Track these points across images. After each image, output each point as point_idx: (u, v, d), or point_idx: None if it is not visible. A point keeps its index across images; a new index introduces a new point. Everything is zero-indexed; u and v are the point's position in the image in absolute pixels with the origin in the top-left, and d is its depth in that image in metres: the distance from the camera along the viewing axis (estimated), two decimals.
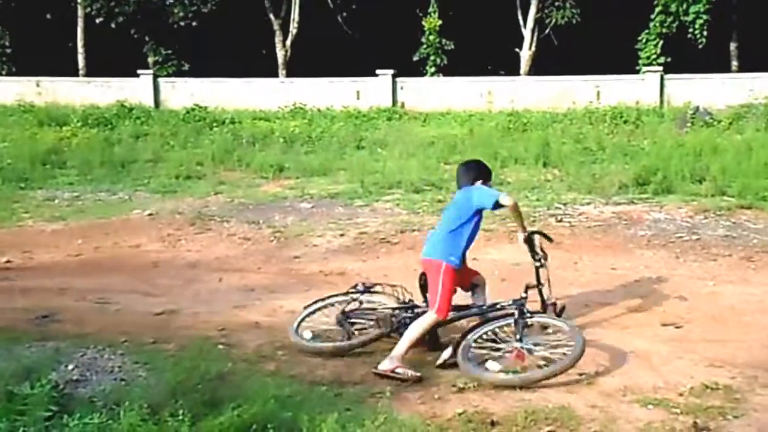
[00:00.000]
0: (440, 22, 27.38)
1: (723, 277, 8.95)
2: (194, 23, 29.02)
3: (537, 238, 6.87)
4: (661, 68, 24.04)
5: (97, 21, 29.23)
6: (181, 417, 4.72)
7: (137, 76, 27.18)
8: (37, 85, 27.31)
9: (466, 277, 6.76)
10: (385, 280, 7.45)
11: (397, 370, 6.05)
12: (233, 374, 5.88)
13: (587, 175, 14.00)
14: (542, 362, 6.10)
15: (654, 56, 25.63)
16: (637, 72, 25.09)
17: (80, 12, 29.96)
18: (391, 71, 25.18)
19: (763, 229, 10.79)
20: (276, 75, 28.66)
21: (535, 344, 6.24)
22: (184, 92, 26.35)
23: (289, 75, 28.58)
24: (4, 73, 30.53)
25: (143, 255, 10.41)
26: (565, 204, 12.44)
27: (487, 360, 6.20)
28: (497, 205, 6.44)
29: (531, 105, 22.83)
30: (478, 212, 6.53)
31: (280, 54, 29.31)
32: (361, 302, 6.99)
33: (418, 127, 21.22)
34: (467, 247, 6.56)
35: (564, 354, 6.05)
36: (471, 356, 6.19)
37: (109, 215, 12.38)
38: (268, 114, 23.69)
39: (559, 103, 22.39)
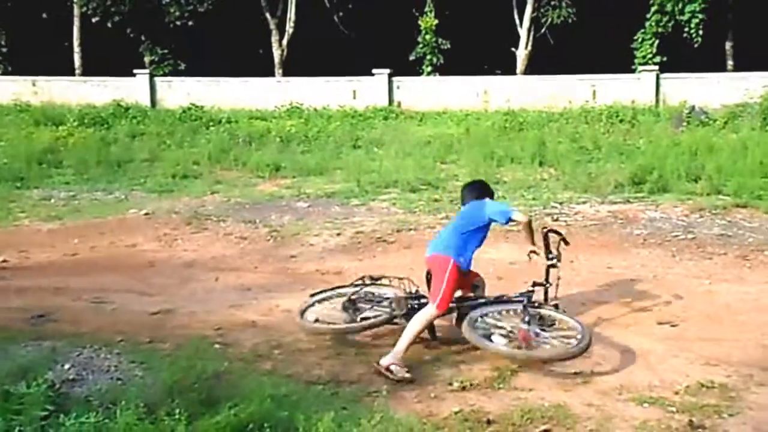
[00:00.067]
0: (436, 21, 27.36)
1: (718, 275, 8.97)
2: (190, 22, 28.99)
3: (553, 237, 6.92)
4: (656, 67, 24.06)
5: (93, 20, 29.18)
6: (177, 416, 4.72)
7: (133, 75, 27.15)
8: (33, 85, 27.28)
9: (468, 281, 6.89)
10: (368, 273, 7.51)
11: (392, 367, 6.08)
12: (230, 373, 5.88)
13: (583, 175, 14.01)
14: (547, 347, 6.16)
15: (650, 55, 25.64)
16: (633, 71, 25.08)
17: (76, 11, 29.90)
18: (388, 71, 25.18)
19: (759, 228, 10.81)
20: (272, 74, 28.63)
21: (542, 330, 6.37)
22: (181, 91, 26.33)
23: (285, 74, 28.55)
24: (0, 72, 30.49)
25: (139, 254, 10.40)
26: (561, 203, 12.46)
27: (492, 335, 6.34)
28: (509, 220, 6.65)
29: (527, 104, 22.84)
30: (488, 225, 6.73)
31: (276, 53, 29.29)
32: (367, 292, 7.11)
33: (414, 127, 21.23)
34: (473, 252, 6.71)
35: (569, 343, 6.12)
36: (477, 327, 6.36)
37: (105, 215, 12.37)
38: (265, 113, 23.69)
39: (555, 102, 22.40)
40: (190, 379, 5.47)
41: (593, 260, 9.55)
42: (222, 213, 12.32)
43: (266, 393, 5.22)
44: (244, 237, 11.09)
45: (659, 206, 12.10)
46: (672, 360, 6.44)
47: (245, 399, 5.11)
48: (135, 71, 27.33)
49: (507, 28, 27.85)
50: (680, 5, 25.17)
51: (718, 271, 9.13)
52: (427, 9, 27.53)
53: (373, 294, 7.13)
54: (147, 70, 28.05)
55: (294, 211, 12.46)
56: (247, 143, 18.49)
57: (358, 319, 6.91)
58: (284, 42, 29.24)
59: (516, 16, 27.80)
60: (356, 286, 7.20)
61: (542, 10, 27.61)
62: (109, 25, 29.09)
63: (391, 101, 25.02)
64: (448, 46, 27.24)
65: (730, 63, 27.15)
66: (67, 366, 5.79)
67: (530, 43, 27.45)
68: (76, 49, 30.27)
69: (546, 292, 6.75)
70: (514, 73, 27.01)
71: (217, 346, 6.70)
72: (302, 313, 7.08)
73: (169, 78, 28.30)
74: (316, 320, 6.98)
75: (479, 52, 28.77)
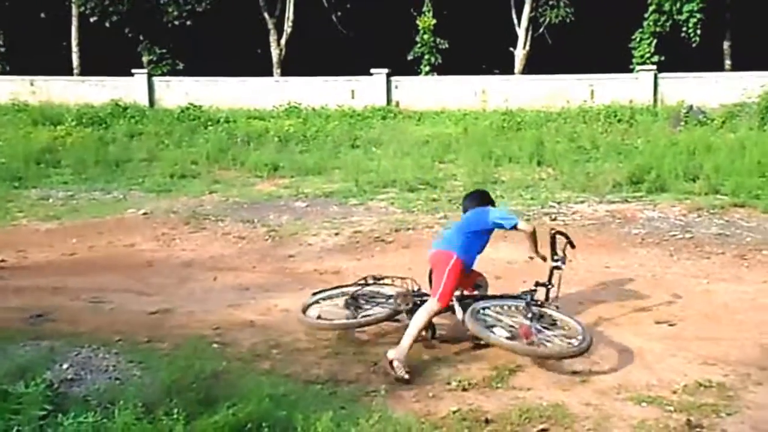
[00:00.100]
0: (434, 21, 27.34)
1: (716, 275, 8.98)
2: (189, 22, 28.98)
3: (560, 239, 6.94)
4: (654, 67, 24.07)
5: (92, 20, 29.16)
6: (175, 416, 4.72)
7: (132, 75, 27.14)
8: (32, 84, 27.27)
9: (471, 281, 6.96)
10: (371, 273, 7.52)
11: (395, 363, 6.08)
12: (228, 373, 5.89)
13: (581, 174, 14.02)
14: (548, 345, 6.17)
15: (648, 55, 25.64)
16: (631, 71, 25.09)
17: (74, 11, 29.89)
18: (386, 70, 25.18)
19: (756, 228, 10.83)
20: (271, 74, 28.63)
21: (544, 327, 6.40)
22: (179, 91, 26.32)
23: (283, 74, 28.55)
24: None
25: (138, 254, 10.40)
26: (559, 203, 12.47)
27: (494, 327, 6.39)
28: (512, 225, 6.74)
29: (525, 104, 22.85)
30: (490, 231, 6.82)
31: (274, 53, 29.28)
32: (370, 291, 7.17)
33: (412, 126, 21.23)
34: (476, 254, 6.81)
35: (570, 344, 6.14)
36: (479, 318, 6.41)
37: (103, 214, 12.37)
38: (263, 113, 23.68)
39: (553, 102, 22.41)
40: (188, 379, 5.47)
41: (591, 259, 9.55)
42: (220, 213, 12.32)
43: (264, 392, 5.23)
44: (242, 237, 11.09)
45: (657, 206, 12.11)
46: (670, 359, 6.45)
47: (243, 398, 5.11)
48: (133, 71, 27.31)
49: (505, 27, 27.85)
50: (678, 5, 25.18)
51: (716, 271, 9.14)
52: (425, 9, 27.52)
53: (375, 292, 7.16)
54: (145, 70, 28.02)
55: (292, 211, 12.46)
56: (245, 143, 18.50)
57: (360, 316, 6.94)
58: (282, 42, 29.24)
59: (514, 16, 27.80)
60: (359, 285, 7.22)
61: (540, 10, 27.61)
62: (108, 24, 29.07)
63: (389, 101, 25.02)
64: (446, 45, 27.23)
65: (727, 63, 27.17)
66: (65, 365, 5.79)
67: (528, 43, 27.46)
68: (74, 48, 30.26)
69: (547, 293, 6.79)
70: (512, 73, 27.01)
71: (215, 345, 6.71)
72: (304, 310, 7.13)
73: (167, 78, 28.29)
74: (318, 317, 7.02)
75: (477, 51, 28.77)
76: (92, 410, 4.84)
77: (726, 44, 27.29)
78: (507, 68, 27.69)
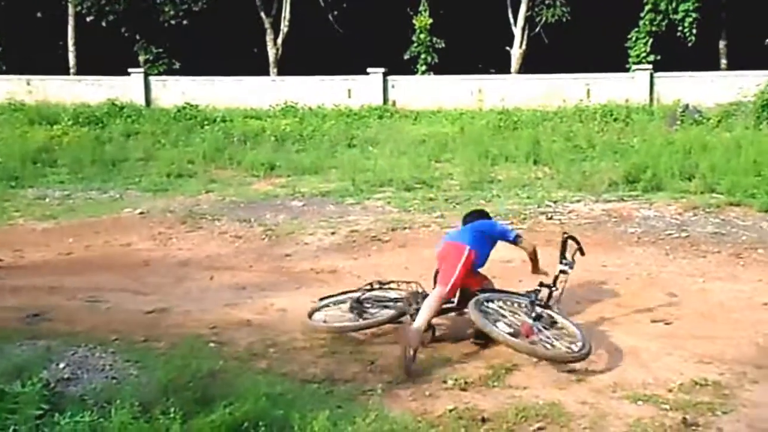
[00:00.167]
0: (431, 20, 27.36)
1: (712, 273, 8.99)
2: (185, 21, 28.94)
3: (572, 244, 6.98)
4: (650, 66, 24.10)
5: (88, 19, 29.12)
6: (172, 415, 4.72)
7: (128, 74, 27.10)
8: (28, 84, 27.22)
9: (477, 282, 6.99)
10: (377, 278, 7.53)
11: (413, 344, 6.14)
12: (224, 372, 5.88)
13: (577, 173, 14.04)
14: (549, 346, 6.19)
15: (644, 54, 25.68)
16: (627, 70, 25.13)
17: (71, 10, 29.87)
18: (382, 70, 25.18)
19: (752, 226, 10.84)
20: (267, 73, 28.61)
21: (545, 328, 6.43)
22: (175, 91, 26.30)
23: (280, 73, 28.54)
24: None
25: (134, 253, 10.40)
26: (555, 202, 12.48)
27: (497, 321, 6.42)
28: (516, 240, 7.05)
29: (521, 103, 22.86)
30: (495, 241, 7.07)
31: (271, 52, 29.27)
32: (375, 295, 7.22)
33: (409, 126, 21.22)
34: (486, 257, 7.00)
35: (569, 349, 6.15)
36: (483, 310, 6.44)
37: (100, 214, 12.36)
38: (260, 112, 23.66)
39: (550, 101, 22.42)
40: (185, 378, 5.47)
41: (587, 258, 9.46)
42: (217, 212, 12.32)
43: (261, 391, 5.22)
44: (239, 236, 11.09)
45: (653, 205, 12.13)
46: (666, 358, 6.46)
47: (240, 398, 5.11)
48: (130, 70, 27.29)
49: (501, 27, 27.88)
50: (674, 4, 25.23)
51: (712, 270, 9.16)
52: (421, 8, 27.53)
53: (380, 296, 7.20)
54: (142, 69, 28.01)
55: (289, 210, 12.46)
56: (241, 142, 18.49)
57: (365, 316, 7.01)
58: (279, 41, 29.23)
59: (510, 15, 27.83)
60: (365, 291, 7.25)
61: (536, 9, 27.61)
62: (104, 24, 29.03)
63: (385, 100, 25.02)
64: (443, 45, 27.25)
65: (723, 62, 27.19)
66: (62, 365, 5.78)
67: (525, 42, 27.48)
68: (71, 48, 30.23)
69: (550, 295, 6.80)
70: (509, 72, 27.04)
71: (212, 344, 6.71)
72: (310, 315, 7.20)
73: (163, 77, 28.26)
74: (324, 321, 7.10)
75: (474, 51, 28.79)
76: (89, 409, 4.84)
77: (722, 43, 27.32)
78: (503, 67, 27.72)
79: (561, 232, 7.21)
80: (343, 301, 7.27)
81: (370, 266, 9.44)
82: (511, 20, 27.79)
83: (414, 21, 27.50)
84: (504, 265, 8.93)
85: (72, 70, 29.89)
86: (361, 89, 25.15)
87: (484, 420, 5.29)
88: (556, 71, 23.97)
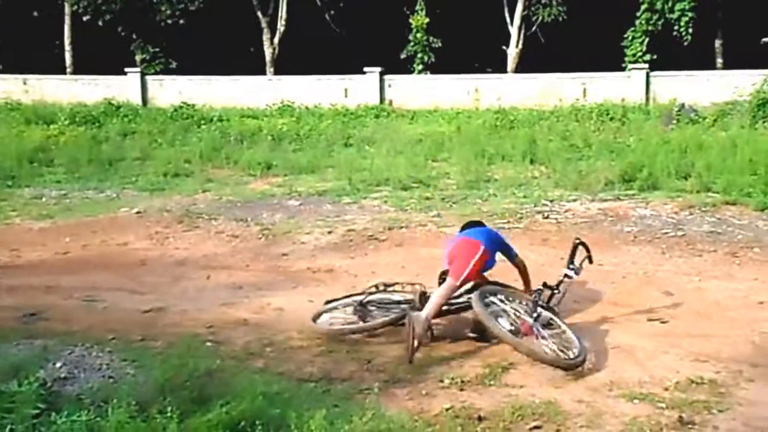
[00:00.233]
0: (427, 19, 27.36)
1: (708, 272, 9.01)
2: (182, 21, 28.94)
3: (582, 250, 7.01)
4: (646, 65, 24.14)
5: (84, 19, 29.10)
6: (169, 414, 4.72)
7: (125, 74, 27.08)
8: (24, 83, 27.20)
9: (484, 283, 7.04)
10: (373, 278, 7.55)
11: (418, 332, 6.21)
12: (221, 371, 5.89)
13: (573, 172, 14.04)
14: (547, 349, 6.20)
15: (640, 53, 25.72)
16: (623, 69, 25.15)
17: (67, 10, 29.81)
18: (379, 69, 25.18)
19: (748, 225, 10.86)
20: (264, 73, 28.61)
21: (544, 329, 6.45)
22: (172, 90, 26.28)
23: (276, 73, 28.53)
24: None
25: (131, 253, 10.39)
26: (551, 201, 12.49)
27: (498, 317, 6.45)
28: (515, 259, 7.33)
29: (518, 102, 22.88)
30: (497, 251, 7.14)
31: (267, 52, 29.26)
32: (380, 298, 7.25)
33: (405, 125, 21.23)
34: (493, 261, 7.09)
35: (567, 355, 6.15)
36: (486, 303, 6.49)
37: (96, 213, 12.35)
38: (256, 112, 23.64)
39: (546, 100, 22.46)
40: (181, 377, 5.47)
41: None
42: (214, 211, 12.31)
43: (258, 390, 5.23)
44: (235, 235, 11.09)
45: (649, 204, 12.14)
46: (662, 356, 6.47)
47: (237, 397, 5.12)
48: (126, 70, 27.27)
49: (498, 26, 27.89)
50: (670, 3, 25.27)
51: (708, 268, 9.18)
52: (418, 7, 27.53)
53: (384, 299, 7.22)
54: (138, 69, 27.97)
55: (285, 210, 12.46)
56: (238, 141, 18.48)
57: (369, 318, 7.04)
58: (276, 40, 29.23)
59: (507, 15, 27.85)
60: (370, 294, 7.26)
61: (533, 9, 27.65)
62: (100, 23, 29.01)
63: (382, 99, 25.02)
64: (440, 44, 27.26)
65: (719, 61, 27.25)
66: (58, 364, 5.79)
67: (521, 42, 27.51)
68: (67, 47, 30.18)
69: (551, 297, 6.82)
70: (505, 72, 27.06)
71: (208, 344, 6.71)
72: (315, 318, 7.22)
73: (160, 76, 28.25)
74: (330, 324, 7.15)
75: (470, 50, 28.81)
76: (86, 409, 4.85)
77: (717, 43, 27.38)
78: (500, 67, 27.73)
79: (574, 238, 7.20)
80: (347, 305, 7.28)
81: (367, 265, 9.45)
82: (508, 19, 27.81)
83: (410, 20, 27.50)
84: (502, 264, 8.93)
85: (68, 70, 29.85)
86: (358, 88, 25.15)
87: (480, 419, 5.30)
88: (552, 70, 24.00)
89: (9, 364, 5.57)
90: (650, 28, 25.76)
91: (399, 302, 7.09)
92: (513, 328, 6.36)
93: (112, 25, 29.29)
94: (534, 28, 27.82)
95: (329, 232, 11.03)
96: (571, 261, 6.90)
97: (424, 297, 6.89)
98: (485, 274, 7.07)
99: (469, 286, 6.83)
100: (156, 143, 18.45)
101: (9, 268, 9.64)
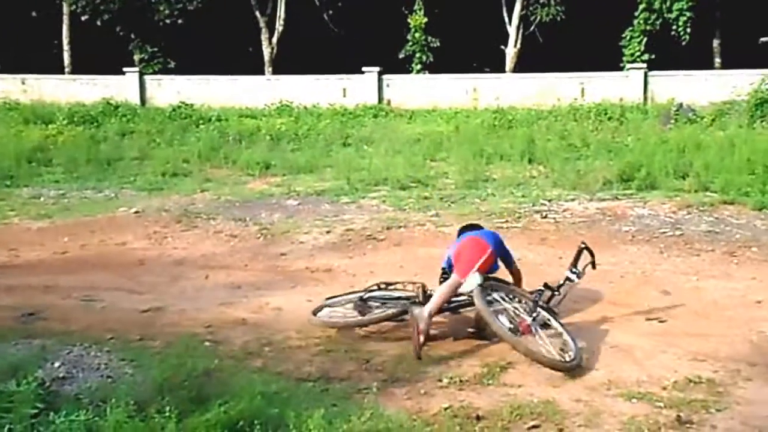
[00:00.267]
0: (426, 19, 27.37)
1: (706, 272, 9.02)
2: (180, 21, 28.93)
3: (586, 255, 7.03)
4: (644, 65, 24.15)
5: (83, 18, 29.09)
6: (167, 414, 4.73)
7: (123, 73, 27.08)
8: (23, 83, 27.20)
9: None
10: (371, 277, 7.55)
11: (421, 327, 6.31)
12: (220, 371, 5.90)
13: (572, 172, 14.05)
14: (543, 351, 6.22)
15: (638, 53, 25.72)
16: (621, 69, 25.17)
17: (65, 9, 29.81)
18: (377, 69, 25.19)
19: (746, 225, 10.87)
20: (262, 72, 28.61)
21: (542, 329, 6.46)
22: (170, 90, 26.29)
23: (275, 72, 28.53)
24: None
25: (129, 253, 10.39)
26: (550, 200, 12.49)
27: (500, 314, 6.47)
28: (514, 267, 7.30)
29: (516, 102, 22.89)
30: (502, 256, 7.20)
31: (266, 51, 29.26)
32: (379, 294, 7.29)
33: (404, 125, 21.24)
34: (496, 269, 7.13)
35: (562, 358, 6.15)
36: (487, 299, 6.51)
37: (95, 213, 12.35)
38: (255, 111, 23.66)
39: (544, 100, 22.47)
40: (180, 377, 5.48)
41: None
42: (212, 211, 12.31)
43: (256, 390, 5.23)
44: (234, 235, 11.09)
45: (647, 203, 12.14)
46: (660, 355, 6.48)
47: (235, 396, 5.12)
48: (125, 69, 27.27)
49: (496, 26, 27.90)
50: (668, 3, 25.28)
51: (706, 268, 9.18)
52: (416, 7, 27.55)
53: (384, 296, 7.25)
54: (137, 69, 27.96)
55: (284, 209, 12.46)
56: (237, 141, 18.48)
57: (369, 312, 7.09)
58: (274, 40, 29.23)
59: (505, 14, 27.85)
60: (370, 291, 7.29)
61: (531, 8, 27.66)
62: (99, 23, 29.01)
63: (380, 99, 25.03)
64: (438, 44, 27.26)
65: (717, 61, 27.26)
66: (57, 364, 5.79)
67: (519, 41, 27.51)
68: (66, 47, 30.19)
69: (551, 298, 6.83)
70: (504, 71, 27.06)
71: (207, 343, 6.71)
72: (315, 312, 7.27)
73: (158, 76, 28.24)
74: (330, 318, 7.22)
75: (468, 50, 28.82)
76: (84, 408, 4.85)
77: (715, 42, 27.39)
78: (498, 66, 27.74)
79: (580, 242, 7.23)
80: (348, 301, 7.31)
81: (365, 265, 9.45)
82: (506, 19, 27.82)
83: (409, 20, 27.50)
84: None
85: (67, 70, 29.85)
86: (356, 88, 25.16)
87: (479, 418, 5.30)
88: (550, 70, 24.02)
89: (7, 364, 5.57)
90: (648, 27, 25.77)
91: (399, 298, 7.11)
92: (512, 326, 6.37)
93: (111, 25, 29.29)
94: (532, 28, 27.83)
95: (328, 232, 11.03)
96: (574, 265, 6.92)
97: (425, 293, 6.91)
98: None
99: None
100: (154, 143, 18.46)
101: (7, 267, 9.63)
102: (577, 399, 5.63)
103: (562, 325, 6.65)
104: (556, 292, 6.87)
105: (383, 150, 17.06)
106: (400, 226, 11.15)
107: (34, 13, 31.07)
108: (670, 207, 11.85)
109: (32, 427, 4.69)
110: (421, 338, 6.30)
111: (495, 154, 16.11)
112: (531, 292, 6.86)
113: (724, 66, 26.21)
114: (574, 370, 6.09)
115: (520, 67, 26.98)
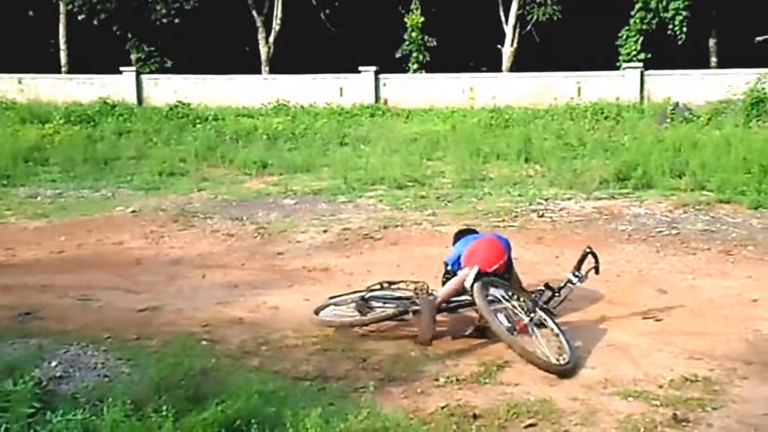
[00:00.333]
0: (422, 18, 27.39)
1: (702, 270, 9.03)
2: (177, 20, 28.92)
3: (590, 260, 7.06)
4: (641, 64, 24.20)
5: (80, 18, 29.07)
6: (164, 413, 4.73)
7: (120, 72, 27.07)
8: (20, 83, 27.16)
9: None
10: (368, 276, 7.56)
11: (428, 318, 6.46)
12: (217, 370, 5.90)
13: (568, 171, 14.06)
14: (538, 352, 6.22)
15: (634, 52, 25.78)
16: (618, 68, 25.22)
17: (62, 9, 29.79)
18: (374, 68, 25.20)
19: (742, 223, 10.89)
20: (259, 72, 28.61)
21: (538, 328, 6.47)
22: (167, 89, 26.27)
23: (272, 72, 28.53)
24: None
25: (126, 252, 10.39)
26: (546, 199, 12.50)
27: (498, 312, 6.50)
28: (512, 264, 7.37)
29: (513, 101, 22.91)
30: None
31: (263, 51, 29.26)
32: (381, 294, 7.30)
33: (400, 124, 21.24)
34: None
35: (557, 361, 6.16)
36: (489, 298, 6.54)
37: (91, 212, 12.33)
38: (251, 111, 23.65)
39: (541, 99, 22.49)
40: (177, 376, 5.48)
41: (578, 256, 9.57)
42: (209, 210, 12.30)
43: (253, 389, 5.23)
44: (231, 234, 11.08)
45: (643, 202, 12.16)
46: (656, 354, 6.49)
47: (232, 395, 5.12)
48: (121, 69, 27.26)
49: (493, 25, 27.92)
50: (664, 2, 25.35)
51: (702, 266, 9.20)
52: (413, 6, 27.57)
53: (386, 295, 7.25)
54: (133, 68, 27.95)
55: (281, 208, 12.46)
56: (233, 140, 18.46)
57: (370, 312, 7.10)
58: (271, 39, 29.22)
59: (502, 14, 27.88)
60: (372, 290, 7.29)
61: (528, 8, 27.69)
62: (96, 22, 28.99)
63: (377, 98, 25.04)
64: (435, 43, 27.28)
65: (713, 60, 27.31)
66: (53, 363, 5.79)
67: (516, 41, 27.54)
68: (63, 46, 30.16)
69: (550, 299, 6.84)
70: (500, 71, 27.10)
71: (204, 342, 6.71)
72: (317, 311, 7.28)
73: (155, 75, 28.22)
74: (331, 317, 7.23)
75: (465, 49, 28.83)
76: (81, 408, 4.85)
77: (712, 42, 27.44)
78: (495, 66, 27.78)
79: (585, 246, 7.29)
80: (350, 300, 7.31)
81: (363, 264, 9.46)
82: (503, 18, 27.84)
83: (406, 19, 27.52)
84: None
85: (63, 69, 29.83)
86: (353, 87, 25.16)
87: (475, 417, 5.31)
88: (547, 69, 24.04)
89: (4, 363, 5.56)
90: (644, 27, 25.82)
91: (400, 298, 7.11)
92: (510, 325, 6.37)
93: (107, 24, 29.27)
94: (529, 27, 27.87)
95: (324, 231, 11.03)
96: (577, 268, 6.94)
97: (428, 293, 6.93)
98: None
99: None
100: (151, 142, 18.45)
101: (4, 267, 9.62)
102: (573, 397, 5.64)
103: (558, 326, 6.65)
104: (557, 294, 6.88)
105: (380, 149, 17.06)
106: (397, 226, 11.16)
107: (30, 13, 31.03)
108: (667, 206, 11.87)
109: (29, 427, 4.69)
110: (433, 325, 6.44)
111: (492, 153, 16.12)
112: (531, 292, 6.86)
113: (720, 65, 26.25)
114: (567, 373, 6.08)
115: (517, 66, 27.01)
